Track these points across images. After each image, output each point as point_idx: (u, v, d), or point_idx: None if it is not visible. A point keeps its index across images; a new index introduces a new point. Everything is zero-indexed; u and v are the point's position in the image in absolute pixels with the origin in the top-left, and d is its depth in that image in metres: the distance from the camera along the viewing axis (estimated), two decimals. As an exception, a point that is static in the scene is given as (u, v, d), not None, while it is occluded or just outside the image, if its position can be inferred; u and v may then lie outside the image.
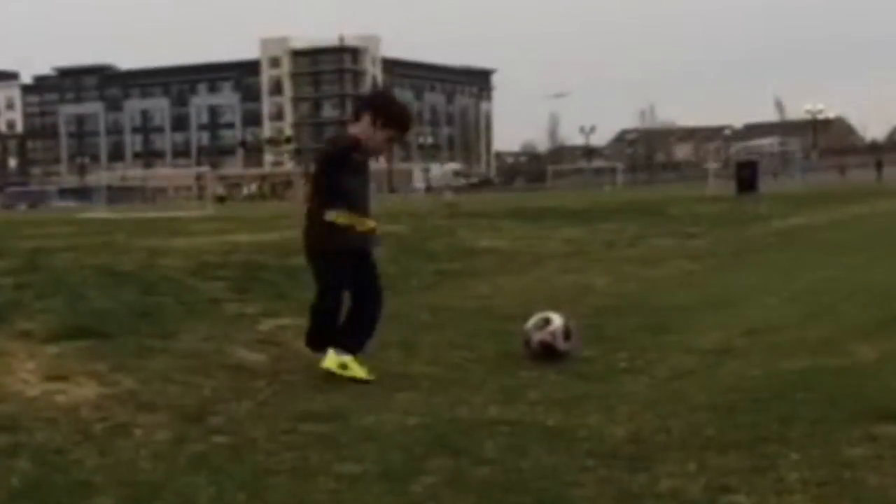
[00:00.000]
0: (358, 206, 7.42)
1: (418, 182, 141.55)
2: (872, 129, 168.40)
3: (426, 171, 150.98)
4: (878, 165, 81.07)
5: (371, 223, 7.39)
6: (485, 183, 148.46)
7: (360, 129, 7.55)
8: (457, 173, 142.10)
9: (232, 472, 5.04)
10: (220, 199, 78.67)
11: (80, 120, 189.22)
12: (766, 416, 5.86)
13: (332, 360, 7.42)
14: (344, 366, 7.38)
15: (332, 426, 5.96)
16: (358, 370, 7.39)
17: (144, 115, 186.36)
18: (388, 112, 7.61)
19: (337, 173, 7.42)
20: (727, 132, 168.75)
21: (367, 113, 7.54)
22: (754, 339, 8.80)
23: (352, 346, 7.51)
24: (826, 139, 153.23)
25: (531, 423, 5.99)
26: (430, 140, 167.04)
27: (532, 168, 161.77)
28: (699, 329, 9.52)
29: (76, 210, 64.69)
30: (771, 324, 9.58)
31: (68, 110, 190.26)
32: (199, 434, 5.82)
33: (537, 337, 8.18)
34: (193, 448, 5.52)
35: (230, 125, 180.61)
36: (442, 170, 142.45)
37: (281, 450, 5.46)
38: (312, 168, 7.80)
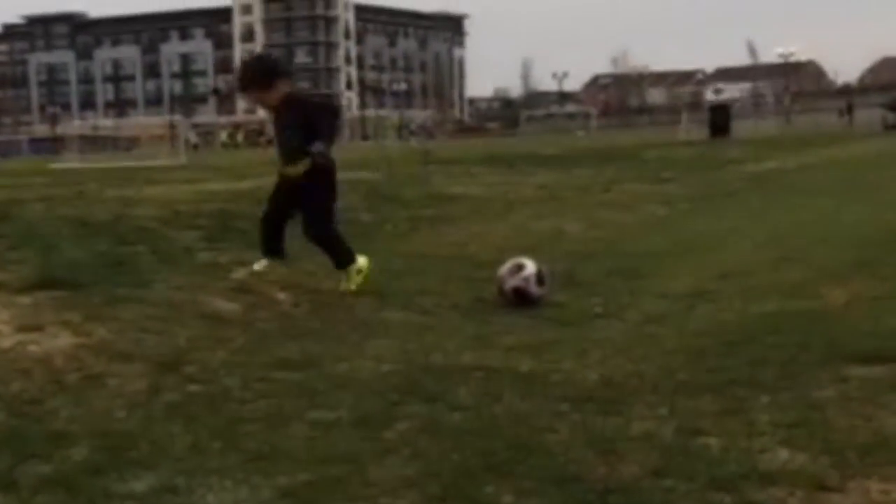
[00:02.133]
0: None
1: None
2: (843, 73, 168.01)
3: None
4: (849, 109, 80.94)
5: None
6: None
7: None
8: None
9: (207, 420, 5.06)
10: (195, 148, 78.01)
11: (50, 69, 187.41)
12: (738, 360, 5.91)
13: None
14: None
15: (306, 374, 5.97)
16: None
17: (116, 63, 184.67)
18: None
19: None
20: (699, 76, 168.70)
21: None
22: (726, 283, 8.85)
23: None
24: (797, 83, 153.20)
25: (505, 368, 6.02)
26: (403, 87, 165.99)
27: (505, 114, 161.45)
28: (672, 273, 9.57)
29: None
30: (743, 267, 9.63)
31: (38, 59, 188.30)
32: (174, 383, 5.83)
33: (511, 283, 8.21)
34: (168, 397, 5.53)
35: (202, 73, 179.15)
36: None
37: (255, 398, 5.48)
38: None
